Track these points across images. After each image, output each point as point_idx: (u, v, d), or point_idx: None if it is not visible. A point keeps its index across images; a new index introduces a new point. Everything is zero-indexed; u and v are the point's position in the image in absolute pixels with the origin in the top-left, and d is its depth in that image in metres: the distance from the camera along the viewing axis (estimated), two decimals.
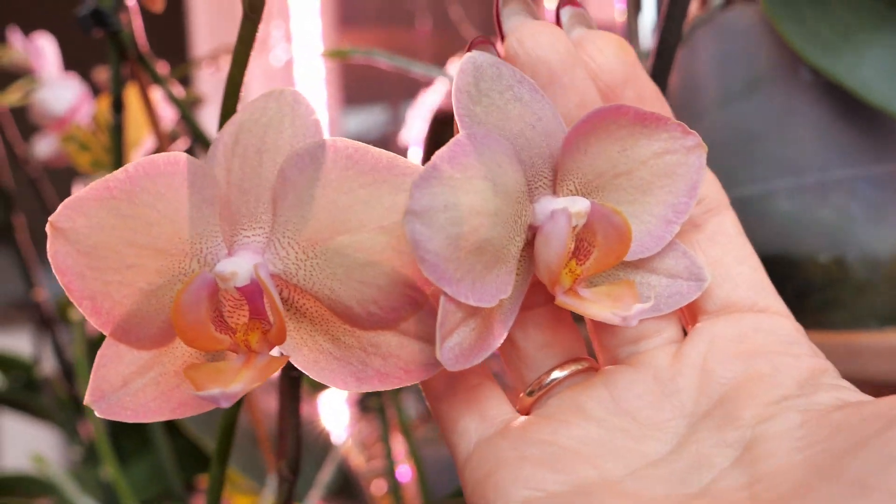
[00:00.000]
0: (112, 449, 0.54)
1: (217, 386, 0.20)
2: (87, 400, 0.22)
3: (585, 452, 0.21)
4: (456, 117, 0.21)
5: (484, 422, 0.23)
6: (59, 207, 0.21)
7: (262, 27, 0.24)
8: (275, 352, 0.22)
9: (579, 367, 0.24)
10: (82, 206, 0.21)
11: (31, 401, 0.68)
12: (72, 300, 0.21)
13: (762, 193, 0.42)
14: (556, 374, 0.24)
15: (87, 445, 0.63)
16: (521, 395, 0.24)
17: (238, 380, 0.20)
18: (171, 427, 0.58)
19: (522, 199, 0.22)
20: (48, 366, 0.66)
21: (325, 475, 0.53)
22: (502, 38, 0.23)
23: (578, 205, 0.22)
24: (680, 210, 0.23)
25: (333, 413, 0.78)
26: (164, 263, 0.21)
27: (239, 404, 0.31)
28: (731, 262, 0.24)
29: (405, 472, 0.71)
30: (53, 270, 0.21)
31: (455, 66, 0.65)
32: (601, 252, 0.22)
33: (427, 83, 0.67)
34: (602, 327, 0.25)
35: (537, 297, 0.24)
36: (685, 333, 0.24)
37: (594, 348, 0.25)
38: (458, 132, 0.21)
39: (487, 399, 0.24)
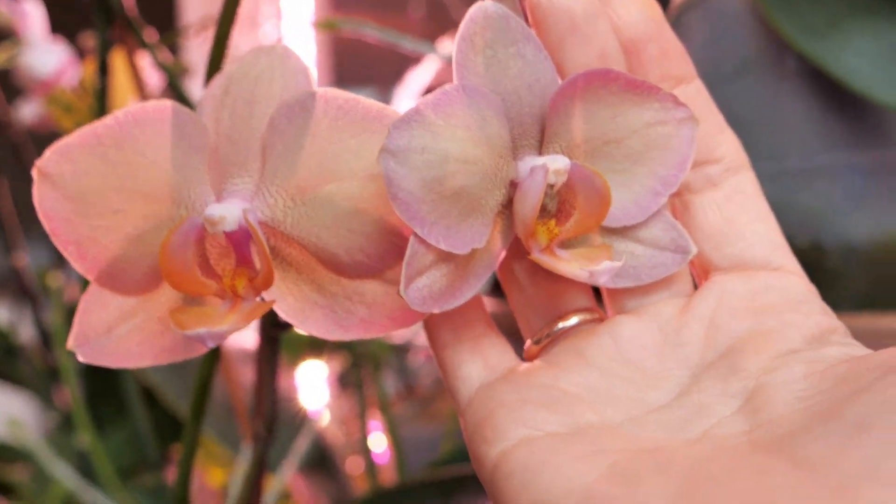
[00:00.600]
0: (89, 417, 0.54)
1: (204, 326, 0.20)
2: (70, 344, 0.22)
3: (586, 397, 0.22)
4: (454, 65, 0.21)
5: (486, 368, 0.23)
6: (47, 152, 0.21)
7: (251, 2, 0.24)
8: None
9: (587, 317, 0.24)
10: (70, 152, 0.20)
11: (7, 368, 0.67)
12: (57, 245, 0.21)
13: None
14: (563, 323, 0.24)
15: (62, 413, 0.63)
16: (528, 343, 0.25)
17: (225, 321, 0.20)
18: (149, 396, 0.58)
19: (505, 154, 0.22)
20: (26, 333, 0.66)
21: (301, 445, 0.53)
22: None
23: (558, 163, 0.22)
24: (669, 182, 0.24)
25: (311, 388, 0.79)
26: (151, 209, 0.21)
27: (213, 366, 0.32)
28: (746, 221, 0.24)
29: (382, 450, 0.71)
30: (39, 216, 0.21)
31: (446, 45, 0.65)
32: (581, 214, 0.22)
33: (417, 62, 0.67)
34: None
35: None
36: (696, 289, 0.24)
37: (604, 301, 0.25)
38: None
39: (491, 347, 0.24)
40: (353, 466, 0.76)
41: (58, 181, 0.21)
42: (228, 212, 0.21)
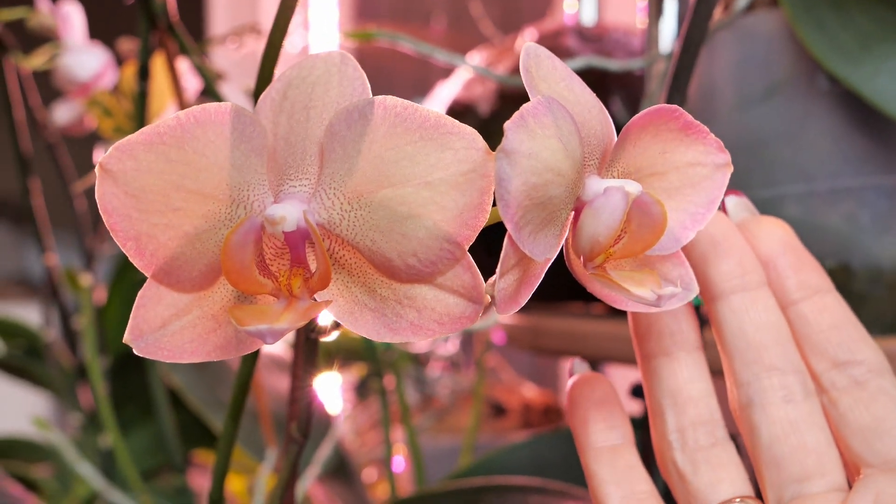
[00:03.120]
0: (113, 417, 0.55)
1: (264, 322, 0.20)
2: (126, 338, 0.22)
3: None
4: (526, 88, 0.23)
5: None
6: (110, 149, 0.21)
7: None
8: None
9: (748, 501, 0.26)
10: (132, 150, 0.21)
11: (33, 367, 0.68)
12: (116, 241, 0.22)
13: (773, 197, 0.43)
14: None
15: (87, 413, 0.63)
16: None
17: (283, 319, 0.21)
18: (173, 398, 0.58)
19: (581, 170, 0.23)
20: (52, 333, 0.67)
21: (324, 452, 0.53)
22: None
23: (633, 187, 0.23)
24: (697, 219, 0.25)
25: (330, 398, 0.79)
26: (210, 208, 0.22)
27: (252, 368, 0.32)
28: (894, 419, 0.25)
29: (399, 460, 0.71)
30: (100, 211, 0.22)
31: (475, 57, 0.65)
32: (630, 238, 0.23)
33: (445, 76, 0.68)
34: (763, 458, 0.26)
35: (709, 433, 0.27)
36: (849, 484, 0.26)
37: (759, 485, 0.27)
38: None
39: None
40: (368, 476, 0.76)
41: (119, 178, 0.21)
42: (289, 212, 0.21)
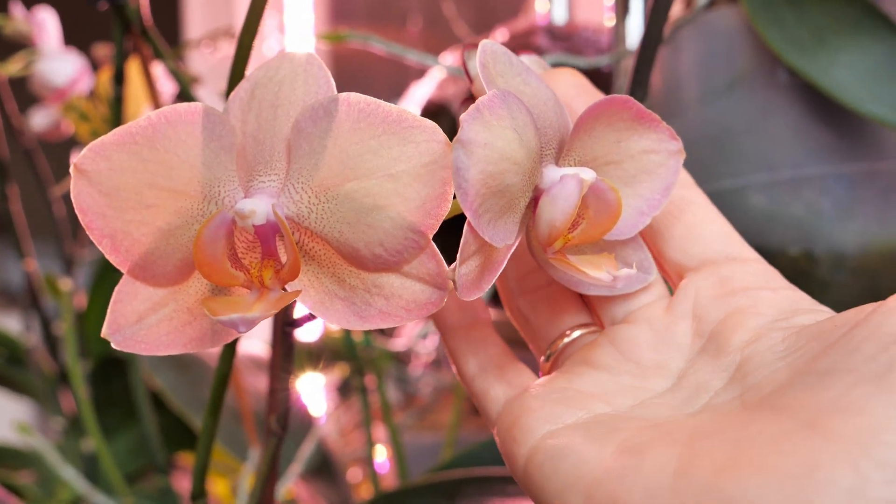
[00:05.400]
0: (96, 421, 0.55)
1: (236, 312, 0.21)
2: (104, 332, 0.23)
3: (598, 393, 0.24)
4: (483, 83, 0.23)
5: (510, 385, 0.27)
6: (84, 150, 0.22)
7: None
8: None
9: (586, 330, 0.28)
10: (105, 150, 0.22)
11: (14, 374, 0.68)
12: (92, 239, 0.22)
13: (737, 187, 0.44)
14: (566, 339, 0.28)
15: (69, 418, 0.63)
16: (541, 360, 0.28)
17: (255, 309, 0.21)
18: (156, 400, 0.58)
19: (537, 159, 0.24)
20: (32, 339, 0.67)
21: (306, 450, 0.54)
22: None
23: (588, 174, 0.24)
24: (653, 205, 0.26)
25: (312, 397, 0.79)
26: (182, 205, 0.22)
27: (231, 363, 0.33)
28: (701, 225, 0.27)
29: (383, 460, 0.72)
30: (76, 210, 0.22)
31: (448, 58, 0.66)
32: (588, 224, 0.25)
33: (418, 76, 0.69)
34: (598, 297, 0.28)
35: (540, 279, 0.29)
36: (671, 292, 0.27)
37: (592, 313, 0.29)
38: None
39: (512, 371, 0.27)
40: (352, 475, 0.77)
41: (94, 177, 0.22)
42: (258, 206, 0.22)
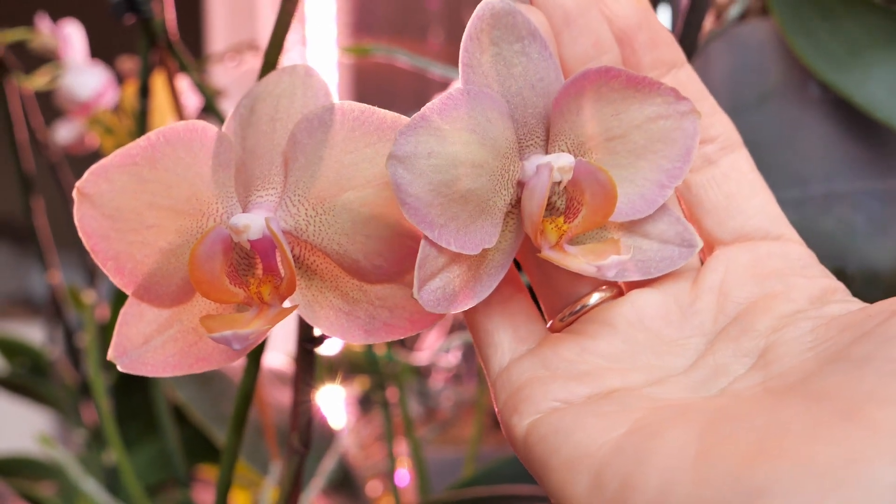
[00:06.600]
0: (118, 434, 0.55)
1: (230, 328, 0.21)
2: (109, 355, 0.23)
3: (611, 366, 0.23)
4: (460, 66, 0.22)
5: (517, 336, 0.24)
6: (86, 174, 0.22)
7: None
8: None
9: (607, 294, 0.25)
10: (106, 172, 0.22)
11: (36, 385, 0.68)
12: (96, 261, 0.22)
13: None
14: (586, 301, 0.25)
15: (91, 430, 0.63)
16: (554, 320, 0.25)
17: (250, 325, 0.21)
18: (177, 414, 0.58)
19: (511, 155, 0.22)
20: (55, 350, 0.67)
21: (328, 464, 0.53)
22: None
23: (562, 160, 0.22)
24: (674, 175, 0.24)
25: (333, 411, 0.79)
26: (182, 223, 0.22)
27: (254, 378, 0.32)
28: (744, 196, 0.25)
29: (403, 473, 0.71)
30: (80, 233, 0.22)
31: None
32: (588, 210, 0.23)
33: (443, 89, 0.68)
34: None
35: None
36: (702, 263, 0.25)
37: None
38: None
39: (520, 313, 0.25)
40: (373, 490, 0.76)
41: (96, 200, 0.22)
42: (252, 220, 0.22)
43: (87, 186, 0.22)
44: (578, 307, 0.25)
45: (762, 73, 0.43)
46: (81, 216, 0.22)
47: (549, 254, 0.23)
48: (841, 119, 0.42)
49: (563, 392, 0.22)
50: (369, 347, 0.64)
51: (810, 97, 0.42)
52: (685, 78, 0.25)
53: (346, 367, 0.74)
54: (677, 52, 0.25)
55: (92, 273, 0.62)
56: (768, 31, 0.43)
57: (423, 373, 0.79)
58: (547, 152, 0.23)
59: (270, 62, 0.26)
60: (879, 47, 0.39)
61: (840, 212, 0.43)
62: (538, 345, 0.24)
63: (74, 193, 0.22)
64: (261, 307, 0.22)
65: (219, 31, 1.25)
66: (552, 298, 0.26)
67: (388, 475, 0.65)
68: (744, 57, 0.44)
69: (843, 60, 0.39)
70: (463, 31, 0.22)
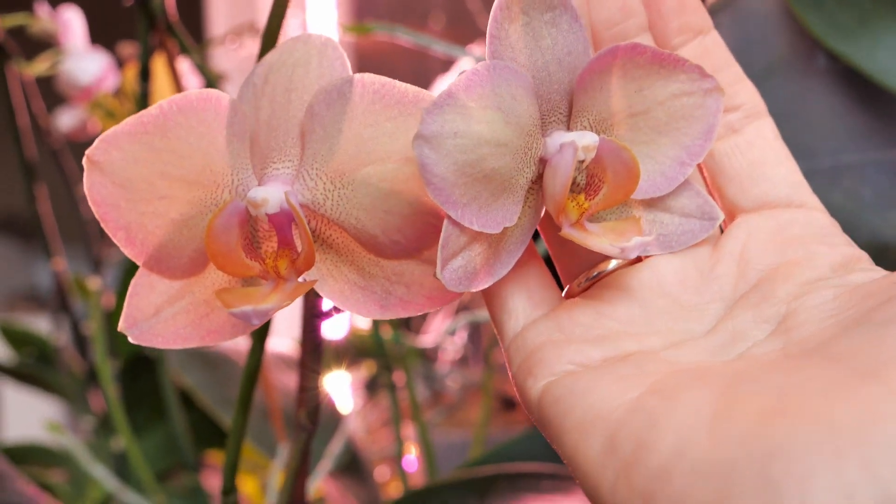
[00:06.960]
0: (125, 420, 0.55)
1: (249, 304, 0.20)
2: (120, 326, 0.23)
3: (628, 330, 0.23)
4: (487, 37, 0.22)
5: (531, 301, 0.24)
6: (96, 141, 0.21)
7: None
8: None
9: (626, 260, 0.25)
10: (117, 140, 0.21)
11: (44, 374, 0.69)
12: (106, 231, 0.22)
13: None
14: (604, 267, 0.25)
15: (99, 417, 0.64)
16: (570, 285, 0.25)
17: (268, 300, 0.21)
18: (185, 399, 0.58)
19: (534, 132, 0.22)
20: (62, 338, 0.67)
21: (336, 447, 0.53)
22: None
23: (587, 139, 0.22)
24: (694, 152, 0.24)
25: (340, 395, 0.79)
26: (195, 194, 0.22)
27: (260, 357, 0.32)
28: (768, 164, 0.24)
29: (411, 458, 0.71)
30: (89, 202, 0.22)
31: (475, 49, 0.66)
32: (610, 188, 0.23)
33: (444, 71, 0.68)
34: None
35: None
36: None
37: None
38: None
39: (535, 279, 0.24)
40: (381, 474, 0.76)
41: (106, 168, 0.21)
42: (271, 194, 0.21)
43: (98, 154, 0.21)
44: (595, 273, 0.25)
45: (768, 45, 0.43)
46: (91, 184, 0.21)
47: (570, 232, 0.23)
48: (848, 90, 0.42)
49: (578, 355, 0.22)
50: (376, 330, 0.64)
51: (817, 68, 0.42)
52: (711, 45, 0.25)
53: (352, 351, 0.74)
54: (705, 19, 0.25)
55: (97, 261, 0.61)
56: (774, 1, 0.43)
57: (429, 356, 0.79)
58: (569, 128, 0.23)
59: (268, 46, 0.26)
60: (888, 16, 0.39)
61: (848, 184, 0.42)
62: (553, 309, 0.24)
63: (84, 161, 0.21)
64: (277, 281, 0.22)
65: (219, 13, 1.24)
66: (569, 263, 0.26)
67: (396, 459, 0.65)
68: (749, 28, 0.44)
69: (852, 30, 0.39)
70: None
